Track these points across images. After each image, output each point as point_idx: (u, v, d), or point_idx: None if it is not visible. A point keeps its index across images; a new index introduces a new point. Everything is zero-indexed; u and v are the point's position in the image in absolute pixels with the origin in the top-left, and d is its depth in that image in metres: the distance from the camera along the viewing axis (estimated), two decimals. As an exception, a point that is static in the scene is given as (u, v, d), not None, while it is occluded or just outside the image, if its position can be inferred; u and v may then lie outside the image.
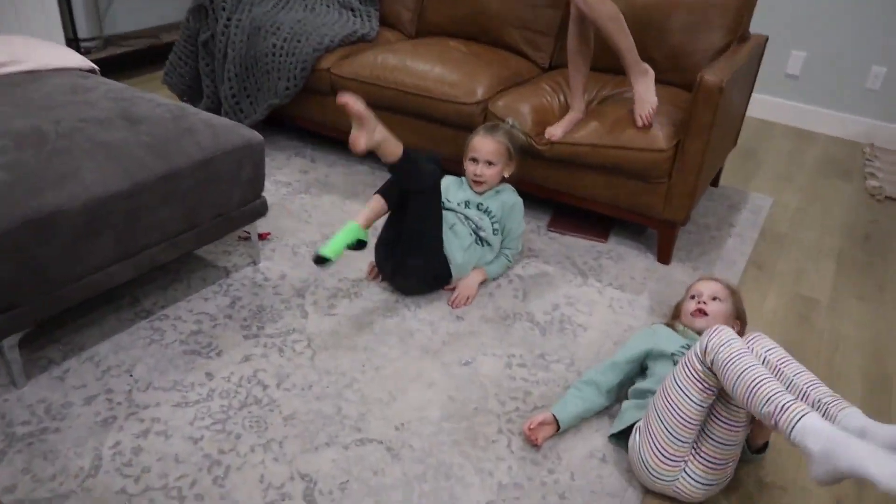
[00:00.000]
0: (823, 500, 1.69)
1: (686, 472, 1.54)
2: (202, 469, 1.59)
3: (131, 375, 1.85)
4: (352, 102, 1.88)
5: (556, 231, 2.69)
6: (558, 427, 1.75)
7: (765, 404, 1.35)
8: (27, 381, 1.80)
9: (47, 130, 1.90)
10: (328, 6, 3.20)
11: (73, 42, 3.66)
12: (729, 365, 1.43)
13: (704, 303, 1.90)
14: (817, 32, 3.88)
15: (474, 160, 2.30)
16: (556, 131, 2.49)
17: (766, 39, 2.94)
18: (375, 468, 1.63)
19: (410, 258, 2.16)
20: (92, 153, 1.84)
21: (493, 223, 2.29)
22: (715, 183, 3.22)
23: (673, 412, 1.52)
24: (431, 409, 1.81)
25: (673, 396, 1.52)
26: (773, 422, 1.35)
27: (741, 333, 1.96)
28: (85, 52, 3.71)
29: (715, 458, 1.53)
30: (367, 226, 2.11)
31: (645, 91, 2.40)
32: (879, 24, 3.72)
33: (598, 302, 2.31)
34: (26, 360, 1.87)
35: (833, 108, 4.01)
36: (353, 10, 3.21)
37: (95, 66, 2.53)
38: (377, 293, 2.25)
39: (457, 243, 2.21)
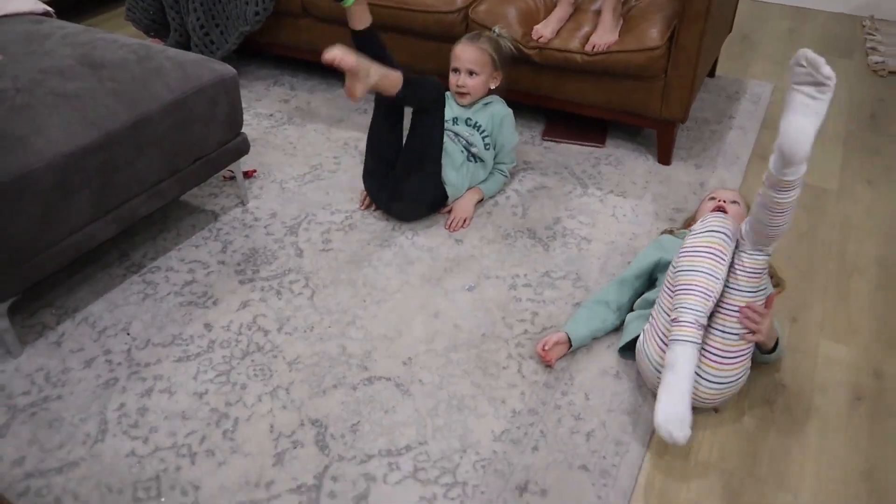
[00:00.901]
0: (843, 397, 1.67)
1: (697, 373, 1.50)
2: (210, 424, 1.57)
3: (128, 334, 1.80)
4: (340, 57, 1.77)
5: (551, 139, 2.59)
6: (570, 346, 1.71)
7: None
8: (23, 349, 1.75)
9: (4, 87, 1.78)
10: (290, -81, 2.99)
11: (26, -17, 3.45)
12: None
13: (724, 201, 1.86)
14: None
15: (456, 70, 2.18)
16: (544, 30, 2.36)
17: (759, -87, 2.75)
18: (386, 406, 1.60)
19: (408, 182, 2.08)
20: (55, 107, 1.73)
21: (483, 138, 2.19)
22: (711, 73, 3.08)
23: (669, 290, 1.51)
24: (438, 340, 1.77)
25: (679, 278, 1.50)
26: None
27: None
28: (41, -7, 3.50)
29: (722, 350, 1.49)
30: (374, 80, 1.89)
31: (611, 27, 2.30)
32: None
33: (601, 211, 2.23)
34: (20, 329, 1.82)
35: (830, -19, 3.82)
36: (317, -80, 3.00)
37: (50, 9, 2.38)
38: (372, 223, 2.18)
39: (449, 162, 2.12)
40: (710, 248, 1.48)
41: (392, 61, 2.08)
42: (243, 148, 2.16)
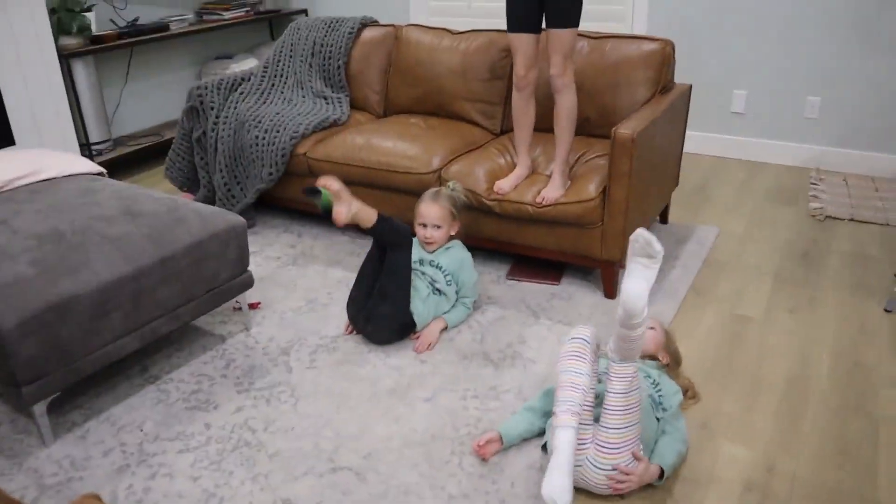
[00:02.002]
0: (736, 488, 1.97)
1: (588, 459, 1.84)
2: (200, 501, 1.92)
3: (142, 430, 2.19)
4: (329, 182, 2.34)
5: (514, 279, 3.02)
6: (502, 444, 2.05)
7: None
8: (55, 440, 2.15)
9: (63, 230, 2.28)
10: (303, 97, 3.62)
11: (85, 146, 4.11)
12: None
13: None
14: (754, 71, 4.25)
15: (423, 225, 2.66)
16: (504, 185, 2.85)
17: (690, 87, 3.30)
18: (345, 490, 1.94)
19: (381, 307, 2.50)
20: (100, 245, 2.22)
21: (445, 276, 2.63)
22: (664, 220, 3.54)
23: (559, 387, 1.87)
24: (395, 440, 2.13)
25: (562, 379, 1.86)
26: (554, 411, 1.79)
27: (672, 370, 2.29)
28: (97, 154, 4.16)
29: (607, 442, 1.82)
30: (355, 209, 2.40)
31: (559, 183, 2.79)
32: (809, 58, 4.08)
33: (547, 338, 2.62)
34: (54, 424, 2.22)
35: (778, 139, 4.34)
36: (325, 98, 3.63)
37: (103, 170, 2.94)
38: (352, 347, 2.59)
39: (416, 295, 2.55)
40: (572, 351, 1.88)
41: (406, 232, 2.49)
42: (248, 282, 2.62)
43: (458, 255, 2.67)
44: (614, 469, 1.84)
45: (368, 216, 2.43)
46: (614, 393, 1.81)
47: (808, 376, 2.42)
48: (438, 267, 2.65)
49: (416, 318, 2.55)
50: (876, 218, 3.61)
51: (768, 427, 2.19)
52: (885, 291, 2.93)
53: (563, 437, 1.73)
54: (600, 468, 1.84)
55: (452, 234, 2.71)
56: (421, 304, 2.56)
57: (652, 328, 2.28)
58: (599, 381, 1.98)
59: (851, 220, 3.62)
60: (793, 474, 2.01)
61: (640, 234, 1.73)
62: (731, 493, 1.94)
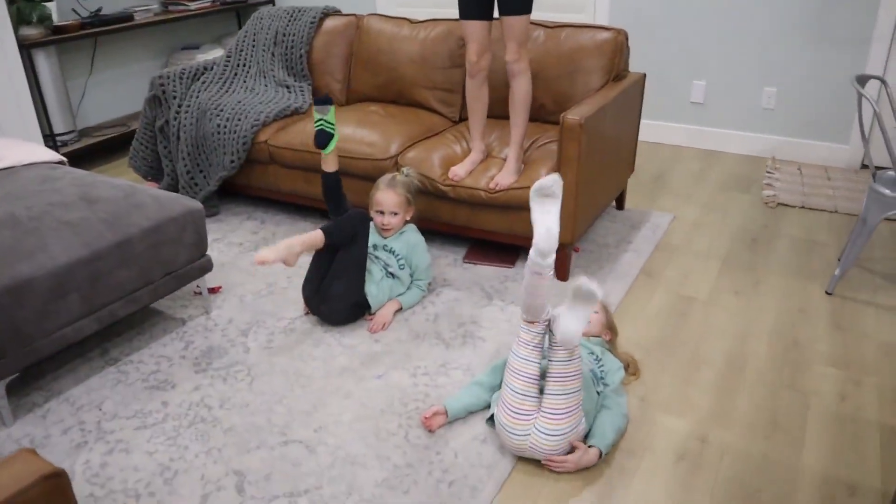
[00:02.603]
0: (669, 457, 2.07)
1: (535, 427, 1.93)
2: (155, 474, 1.99)
3: (100, 409, 2.25)
4: (266, 258, 2.36)
5: (470, 262, 3.11)
6: (447, 417, 2.14)
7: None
8: (14, 420, 2.20)
9: (20, 215, 2.33)
10: (265, 86, 3.68)
11: (49, 137, 4.14)
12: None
13: None
14: (713, 63, 4.35)
15: (381, 212, 2.74)
16: (459, 171, 2.93)
17: (644, 76, 3.39)
18: (295, 462, 2.02)
19: (335, 287, 2.58)
20: (57, 230, 2.27)
21: (398, 261, 2.71)
22: (620, 206, 3.64)
23: (510, 371, 1.97)
24: (345, 414, 2.21)
25: (509, 361, 1.99)
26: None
27: (612, 342, 2.38)
28: (62, 145, 4.19)
29: (554, 408, 1.92)
30: (300, 250, 2.49)
31: (513, 169, 2.87)
32: (766, 50, 4.19)
33: (499, 318, 2.71)
34: (14, 405, 2.27)
35: (736, 129, 4.46)
36: (287, 87, 3.68)
37: (64, 159, 2.98)
38: (309, 328, 2.66)
39: (370, 279, 2.63)
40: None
41: (345, 199, 2.81)
42: (207, 266, 2.68)
43: (411, 240, 2.75)
44: (561, 435, 1.93)
45: (317, 240, 2.50)
46: (557, 361, 1.91)
47: (747, 354, 2.52)
48: (392, 252, 2.72)
49: (370, 300, 2.63)
50: (825, 205, 3.73)
51: (704, 401, 2.29)
52: (828, 275, 3.04)
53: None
54: (546, 433, 1.93)
55: (407, 219, 2.79)
56: (375, 287, 2.64)
57: (596, 312, 2.37)
58: (544, 357, 2.06)
59: (802, 207, 3.74)
60: (724, 444, 2.11)
61: (539, 185, 1.87)
62: (664, 463, 2.04)
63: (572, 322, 1.87)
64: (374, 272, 2.66)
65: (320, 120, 2.78)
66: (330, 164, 2.80)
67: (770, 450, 2.09)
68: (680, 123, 4.60)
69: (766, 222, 3.56)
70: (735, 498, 1.92)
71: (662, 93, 4.58)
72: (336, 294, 2.57)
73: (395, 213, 2.74)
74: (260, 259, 2.34)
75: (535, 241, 1.85)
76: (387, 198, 2.73)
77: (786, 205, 3.77)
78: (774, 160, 4.36)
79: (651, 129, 4.71)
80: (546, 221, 1.84)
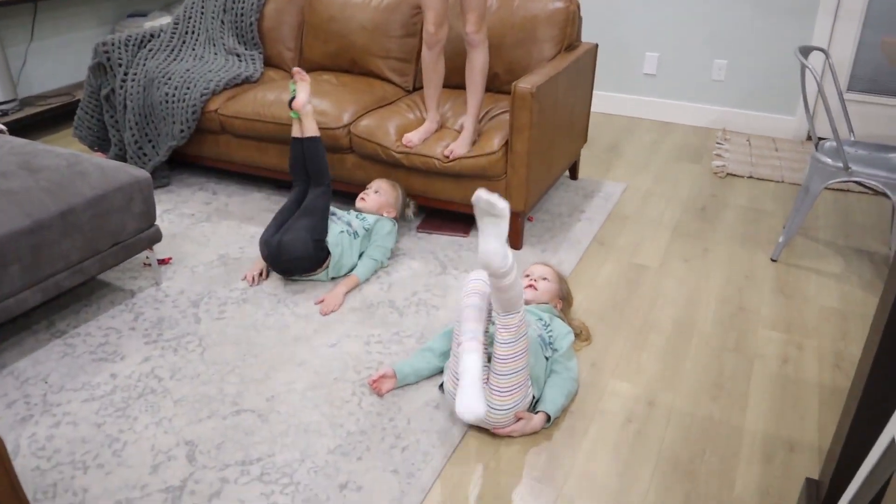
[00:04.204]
0: (617, 420, 2.11)
1: (488, 403, 1.95)
2: (104, 445, 1.96)
3: (46, 382, 2.21)
4: (301, 72, 2.82)
5: (424, 231, 3.11)
6: (396, 380, 2.15)
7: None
8: (-44, 395, 2.15)
9: (-42, 186, 2.26)
10: (215, 54, 3.60)
11: (-10, 106, 4.00)
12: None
13: (535, 280, 2.34)
14: (666, 34, 4.39)
15: (368, 187, 2.90)
16: (413, 138, 2.92)
17: (596, 46, 3.41)
18: (247, 430, 2.01)
19: (298, 222, 2.60)
20: (-3, 201, 2.21)
21: (364, 226, 2.77)
22: (574, 176, 3.66)
23: (455, 342, 1.98)
24: (298, 383, 2.20)
25: (455, 332, 2.00)
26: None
27: (565, 312, 2.41)
28: (1, 115, 4.05)
29: (500, 386, 1.94)
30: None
31: (468, 139, 2.87)
32: (717, 23, 4.23)
33: (453, 286, 2.72)
34: (-45, 380, 2.22)
35: (687, 100, 4.51)
36: (238, 55, 3.61)
37: (3, 127, 2.89)
38: (262, 298, 2.64)
39: (329, 232, 2.66)
40: (472, 289, 1.98)
41: (324, 164, 2.80)
42: (156, 237, 2.64)
43: (386, 225, 2.83)
44: (508, 409, 1.96)
45: (313, 128, 2.78)
46: (502, 343, 1.91)
47: (695, 320, 2.58)
48: (363, 219, 2.80)
49: (330, 248, 2.62)
50: (773, 175, 3.81)
51: (652, 366, 2.34)
52: (774, 242, 3.11)
53: (469, 361, 1.86)
54: (494, 408, 1.95)
55: (384, 214, 2.87)
56: (332, 237, 2.65)
57: (545, 279, 2.39)
58: (493, 323, 2.08)
59: (750, 177, 3.81)
60: (670, 406, 2.16)
61: (479, 197, 1.77)
62: (612, 425, 2.09)
63: (485, 241, 1.77)
64: (333, 228, 2.69)
65: (294, 89, 2.88)
66: (297, 130, 2.85)
67: (715, 411, 2.14)
68: (633, 95, 4.64)
69: (714, 192, 3.62)
70: (680, 458, 1.97)
71: (616, 64, 4.61)
72: (301, 226, 2.59)
73: (377, 192, 2.86)
74: (296, 70, 2.82)
75: (482, 265, 1.79)
76: (381, 183, 2.90)
77: (734, 175, 3.84)
78: (725, 131, 4.43)
79: (605, 101, 4.74)
80: (491, 246, 1.77)
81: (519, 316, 1.91)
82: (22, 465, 1.90)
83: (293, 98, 2.82)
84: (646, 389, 2.24)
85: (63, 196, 2.31)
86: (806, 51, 2.82)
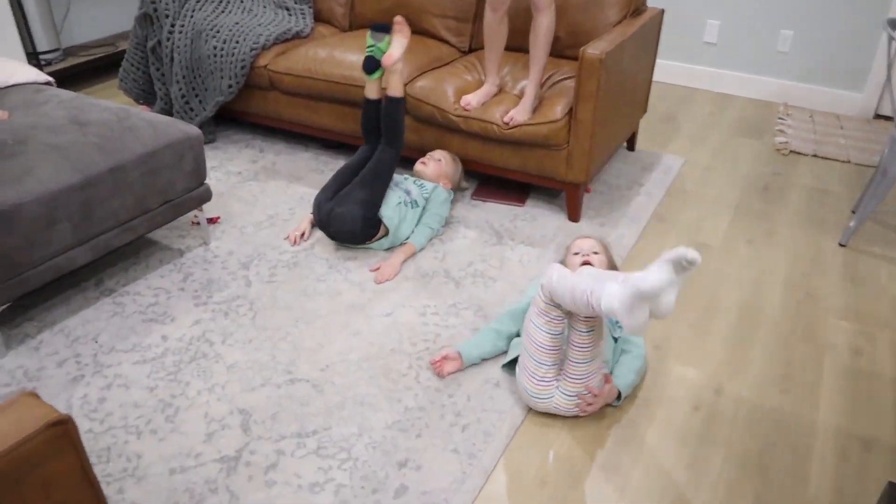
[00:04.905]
0: (684, 407, 2.02)
1: (559, 390, 1.87)
2: (156, 410, 1.91)
3: (97, 342, 2.16)
4: (404, 23, 2.64)
5: (479, 199, 3.00)
6: (462, 363, 2.07)
7: (581, 296, 1.69)
8: (7, 351, 2.11)
9: (3, 139, 2.19)
10: (264, 7, 3.49)
11: (32, 56, 3.93)
12: (558, 287, 1.75)
13: (588, 255, 2.21)
14: (729, 1, 4.19)
15: (426, 155, 2.85)
16: (471, 100, 2.80)
17: (662, 11, 3.24)
18: (302, 401, 1.95)
19: (357, 193, 2.51)
20: (45, 154, 2.14)
21: (423, 193, 2.70)
22: (631, 147, 3.53)
23: (531, 341, 1.87)
24: (353, 353, 2.13)
25: (529, 330, 1.87)
26: (591, 306, 1.67)
27: None
28: (45, 65, 3.98)
29: (577, 374, 1.85)
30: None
31: (529, 106, 2.74)
32: (782, -8, 4.03)
33: (509, 258, 2.62)
34: (6, 336, 2.18)
35: (749, 72, 4.32)
36: (287, 9, 3.49)
37: (51, 79, 2.81)
38: (314, 262, 2.57)
39: (387, 203, 2.57)
40: (564, 275, 1.84)
41: (402, 128, 2.69)
42: (206, 196, 2.56)
43: (442, 194, 2.75)
44: (585, 392, 1.87)
45: (399, 87, 2.65)
46: (581, 332, 1.82)
47: (761, 305, 2.46)
48: (421, 186, 2.71)
49: (385, 221, 2.53)
50: (838, 155, 3.64)
51: (718, 351, 2.24)
52: (841, 226, 2.97)
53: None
54: (569, 396, 1.87)
55: (441, 184, 2.80)
56: (390, 210, 2.55)
57: (596, 252, 2.26)
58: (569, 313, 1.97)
59: (814, 155, 3.64)
60: (738, 396, 2.06)
61: (683, 255, 1.56)
62: (679, 412, 1.99)
63: (668, 299, 1.61)
64: (392, 197, 2.60)
65: (372, 46, 2.70)
66: (372, 91, 2.73)
67: (785, 403, 2.04)
68: (691, 64, 4.46)
69: (777, 170, 3.47)
70: (750, 451, 1.88)
71: (675, 31, 4.42)
72: (356, 198, 2.51)
73: (438, 160, 2.81)
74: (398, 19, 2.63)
75: (638, 290, 1.59)
76: (445, 154, 2.87)
77: (798, 153, 3.67)
78: (787, 106, 4.25)
79: (661, 69, 4.56)
80: (666, 299, 1.60)
81: (592, 335, 1.83)
82: (74, 427, 1.86)
83: (369, 56, 2.67)
84: (712, 376, 2.14)
85: (113, 152, 2.24)
86: (894, 23, 2.65)
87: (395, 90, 2.64)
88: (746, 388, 2.09)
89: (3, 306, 2.02)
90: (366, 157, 2.68)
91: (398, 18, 2.66)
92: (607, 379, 1.93)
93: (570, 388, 1.87)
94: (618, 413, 1.98)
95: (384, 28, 2.70)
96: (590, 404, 1.90)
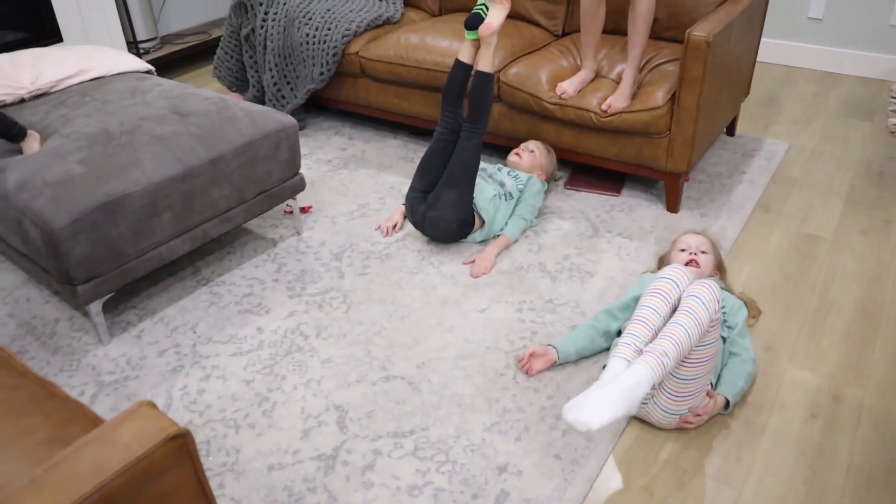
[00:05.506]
0: (800, 414, 1.90)
1: (654, 401, 1.78)
2: (253, 404, 1.92)
3: (195, 332, 2.19)
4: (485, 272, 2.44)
5: (573, 188, 2.91)
6: (557, 360, 2.00)
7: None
8: (111, 339, 2.16)
9: (112, 130, 2.23)
10: (355, -8, 3.46)
11: (132, 44, 4.02)
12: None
13: (695, 254, 2.10)
14: (838, -25, 3.92)
15: (522, 147, 2.78)
16: (567, 87, 2.70)
17: (771, -10, 3.05)
18: (398, 399, 1.92)
19: (446, 194, 2.43)
20: (150, 145, 2.16)
21: (517, 184, 2.62)
22: (731, 132, 3.36)
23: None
24: (449, 350, 2.09)
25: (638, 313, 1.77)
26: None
27: (725, 281, 2.17)
28: (144, 53, 4.07)
29: (675, 391, 1.75)
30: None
31: (628, 92, 2.61)
32: (900, -38, 3.74)
33: (607, 251, 2.53)
34: (110, 324, 2.23)
35: (858, 48, 4.05)
36: (378, -6, 3.46)
37: (152, 68, 2.86)
38: (405, 254, 2.53)
39: (481, 195, 2.51)
40: (658, 289, 1.74)
41: (489, 107, 2.54)
42: (300, 185, 2.56)
43: (536, 184, 2.67)
44: (678, 415, 1.78)
45: (490, 62, 2.51)
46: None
47: (881, 302, 2.30)
48: (516, 177, 2.64)
49: (482, 213, 2.48)
50: (960, 135, 3.37)
51: (835, 353, 2.10)
52: (968, 214, 2.75)
53: (612, 367, 1.63)
54: (671, 413, 1.78)
55: (536, 175, 2.73)
56: (485, 202, 2.49)
57: (704, 252, 2.14)
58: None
59: (933, 137, 3.39)
60: (860, 403, 1.92)
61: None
62: (794, 419, 1.88)
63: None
64: (487, 190, 2.53)
65: (482, 4, 2.57)
66: (465, 54, 2.57)
67: (913, 411, 1.90)
68: (794, 41, 4.21)
69: (892, 154, 3.24)
70: (876, 465, 1.75)
71: (776, 6, 4.18)
72: (448, 201, 2.44)
73: (532, 152, 2.73)
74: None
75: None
76: (540, 145, 2.80)
77: (915, 135, 3.42)
78: (901, 85, 3.96)
79: (763, 48, 4.32)
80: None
81: (713, 347, 1.71)
82: (175, 418, 1.88)
83: (475, 14, 2.53)
84: (830, 380, 2.00)
85: (213, 142, 2.25)
86: None
87: (487, 65, 2.50)
88: (869, 393, 1.95)
89: (109, 295, 2.06)
90: (445, 137, 2.53)
91: None
92: (709, 394, 1.82)
93: (669, 405, 1.77)
94: (727, 420, 1.87)
95: None
96: (690, 423, 1.80)
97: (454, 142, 2.54)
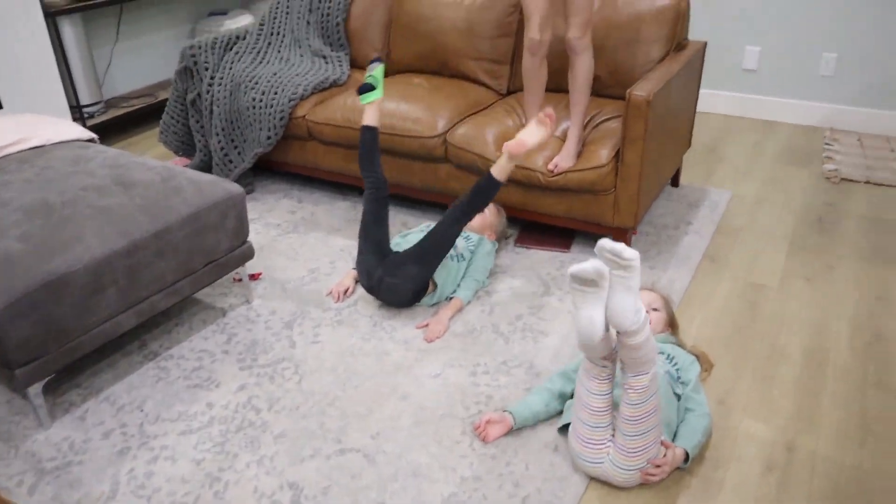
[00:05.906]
0: (756, 468, 1.91)
1: (609, 459, 1.78)
2: (204, 486, 1.85)
3: (142, 410, 2.12)
4: (552, 115, 2.39)
5: (523, 246, 2.93)
6: (512, 426, 1.98)
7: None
8: (52, 422, 2.08)
9: (53, 201, 2.18)
10: (301, 56, 3.48)
11: (76, 108, 3.97)
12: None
13: (646, 310, 2.13)
14: (768, 26, 4.09)
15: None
16: (526, 141, 2.73)
17: (705, 45, 3.17)
18: (354, 473, 1.88)
19: (411, 267, 2.42)
20: (93, 218, 2.12)
21: (468, 246, 2.64)
22: (675, 183, 3.43)
23: (580, 401, 1.79)
24: (403, 418, 2.06)
25: (578, 390, 1.80)
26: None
27: (675, 334, 2.20)
28: (88, 117, 4.02)
29: (628, 447, 1.75)
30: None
31: (573, 151, 2.67)
32: (825, 13, 3.92)
33: (559, 309, 2.54)
34: (51, 406, 2.15)
35: (792, 97, 4.21)
36: (324, 57, 3.48)
37: (95, 136, 2.82)
38: (358, 320, 2.51)
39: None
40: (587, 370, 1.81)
41: (378, 160, 2.63)
42: (249, 254, 2.53)
43: (486, 246, 2.70)
44: (635, 470, 1.78)
45: (508, 172, 2.44)
46: (631, 404, 1.72)
47: (827, 349, 2.35)
48: (467, 238, 2.65)
49: (433, 277, 2.47)
50: (893, 180, 3.51)
51: (787, 403, 2.13)
52: (905, 258, 2.84)
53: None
54: (628, 469, 1.78)
55: (486, 236, 2.76)
56: (441, 268, 2.49)
57: (655, 309, 2.19)
58: (618, 386, 1.88)
59: (867, 182, 3.52)
60: (813, 453, 1.94)
61: (603, 246, 1.62)
62: (751, 474, 1.89)
63: (617, 296, 1.62)
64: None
65: (369, 76, 2.71)
66: (369, 118, 2.66)
67: (865, 459, 1.92)
68: (732, 92, 4.36)
69: (829, 199, 3.35)
70: (834, 517, 1.76)
71: (714, 59, 4.34)
72: (409, 274, 2.42)
73: (482, 212, 2.64)
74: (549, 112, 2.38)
75: (614, 323, 1.64)
76: (490, 205, 2.80)
77: (849, 180, 3.55)
78: (833, 131, 4.12)
79: (702, 98, 4.47)
80: (625, 302, 1.62)
81: (651, 374, 1.71)
82: (122, 505, 1.81)
83: (366, 84, 2.66)
84: (783, 431, 2.02)
85: (158, 214, 2.21)
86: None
87: (501, 174, 2.40)
88: (821, 442, 1.98)
89: (49, 377, 1.99)
90: (374, 196, 2.56)
91: (548, 111, 2.39)
92: (665, 444, 1.82)
93: (626, 461, 1.77)
94: (686, 477, 1.87)
95: (377, 60, 2.76)
96: (653, 475, 1.80)
97: (386, 196, 2.57)
